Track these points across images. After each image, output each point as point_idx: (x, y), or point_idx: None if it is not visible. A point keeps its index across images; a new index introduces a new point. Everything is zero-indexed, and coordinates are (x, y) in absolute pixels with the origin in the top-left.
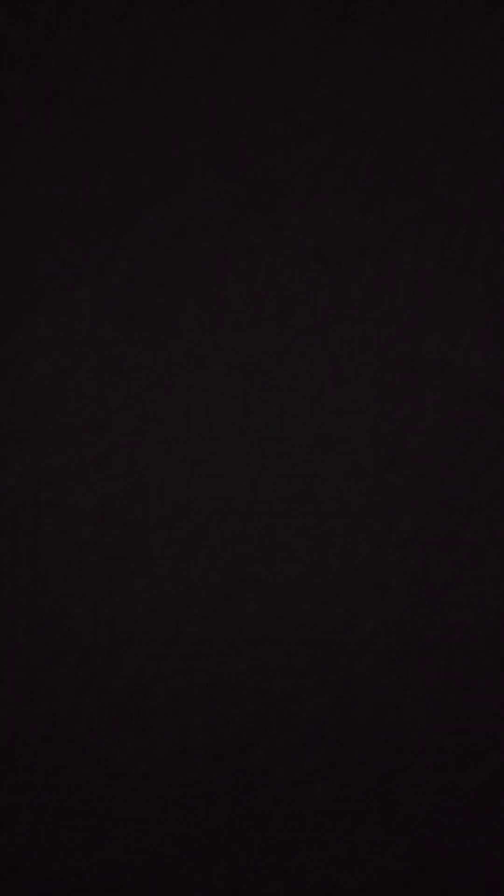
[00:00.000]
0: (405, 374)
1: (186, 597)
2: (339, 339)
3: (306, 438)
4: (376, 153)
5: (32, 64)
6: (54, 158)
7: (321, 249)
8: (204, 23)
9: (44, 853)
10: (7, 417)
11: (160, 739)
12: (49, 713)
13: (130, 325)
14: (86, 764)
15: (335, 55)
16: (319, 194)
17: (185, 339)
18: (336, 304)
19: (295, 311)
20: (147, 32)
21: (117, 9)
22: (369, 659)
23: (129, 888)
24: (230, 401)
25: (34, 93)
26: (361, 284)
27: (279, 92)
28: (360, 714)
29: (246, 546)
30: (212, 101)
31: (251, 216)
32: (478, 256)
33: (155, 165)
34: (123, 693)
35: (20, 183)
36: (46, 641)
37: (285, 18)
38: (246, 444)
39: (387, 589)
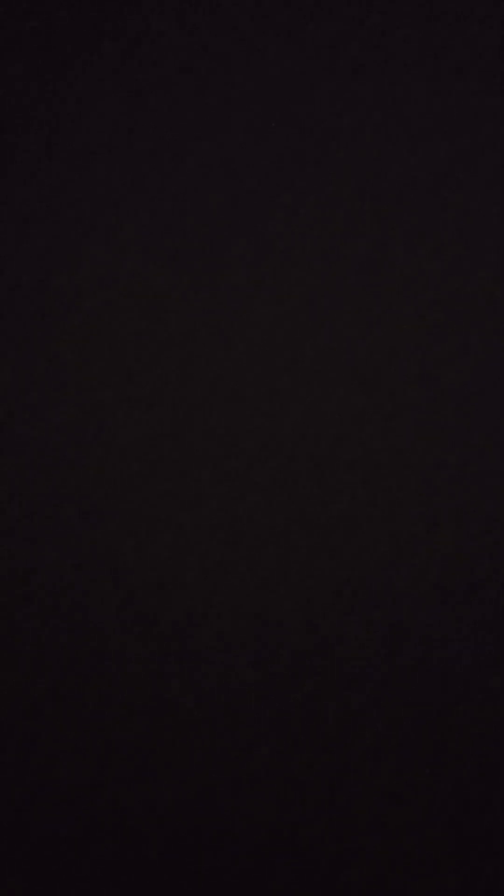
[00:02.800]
0: (453, 311)
1: (234, 534)
2: (387, 276)
3: (354, 375)
4: (425, 91)
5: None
6: (101, 95)
7: (369, 186)
8: None
9: (90, 789)
10: (54, 354)
11: (207, 677)
12: (96, 650)
13: (178, 262)
14: (133, 700)
15: None
16: (367, 131)
17: (232, 277)
18: (384, 241)
19: (342, 249)
20: None
21: None
22: (417, 596)
23: (176, 825)
24: (277, 337)
25: (79, 28)
26: (410, 221)
27: (325, 29)
28: (407, 651)
29: (293, 482)
30: (258, 38)
31: (299, 153)
32: None
33: (202, 102)
34: (171, 630)
35: (67, 120)
36: (93, 578)
37: None
38: (293, 380)
39: (435, 525)
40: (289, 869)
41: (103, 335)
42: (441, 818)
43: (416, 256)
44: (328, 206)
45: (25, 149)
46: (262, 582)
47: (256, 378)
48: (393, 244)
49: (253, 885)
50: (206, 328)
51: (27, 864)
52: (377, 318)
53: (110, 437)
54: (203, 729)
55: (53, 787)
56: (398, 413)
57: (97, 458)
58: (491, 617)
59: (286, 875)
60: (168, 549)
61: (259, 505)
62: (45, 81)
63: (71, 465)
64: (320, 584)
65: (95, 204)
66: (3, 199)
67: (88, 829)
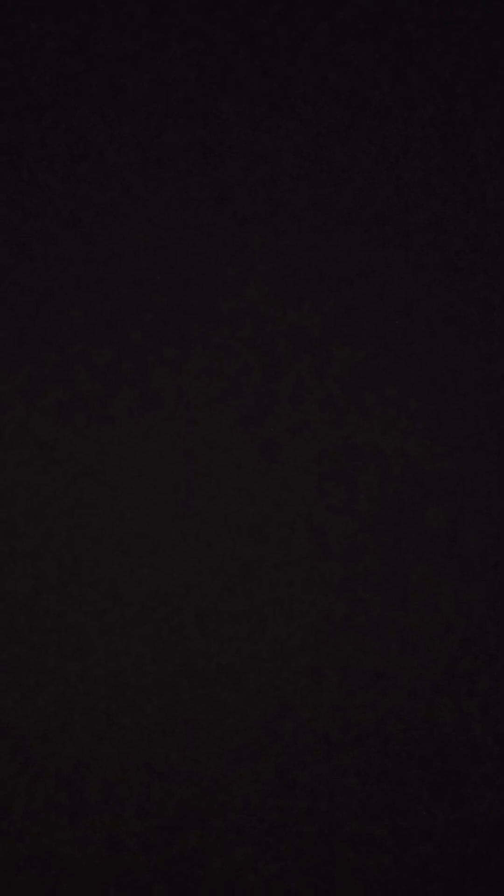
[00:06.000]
0: (347, 459)
1: (119, 684)
2: (275, 427)
3: (241, 526)
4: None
5: None
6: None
7: (257, 335)
8: None
9: None
10: None
11: (93, 828)
12: None
13: (64, 414)
14: (21, 850)
15: None
16: (257, 279)
17: (116, 428)
18: (271, 392)
19: (227, 401)
20: None
21: None
22: (303, 747)
23: None
24: (158, 492)
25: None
26: (297, 372)
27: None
28: (294, 802)
29: (177, 633)
30: None
31: (182, 310)
32: None
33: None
34: (57, 781)
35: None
36: None
37: None
38: (177, 534)
39: (320, 679)
40: None
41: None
42: None
43: (303, 406)
44: (209, 363)
45: None
46: (147, 732)
47: (140, 533)
48: (280, 394)
49: None
50: (91, 480)
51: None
52: (266, 464)
53: None
54: (88, 878)
55: None
56: (288, 562)
57: None
58: (376, 768)
59: None
60: (53, 701)
61: (144, 655)
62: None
63: None
64: (205, 734)
65: None
66: None
67: None
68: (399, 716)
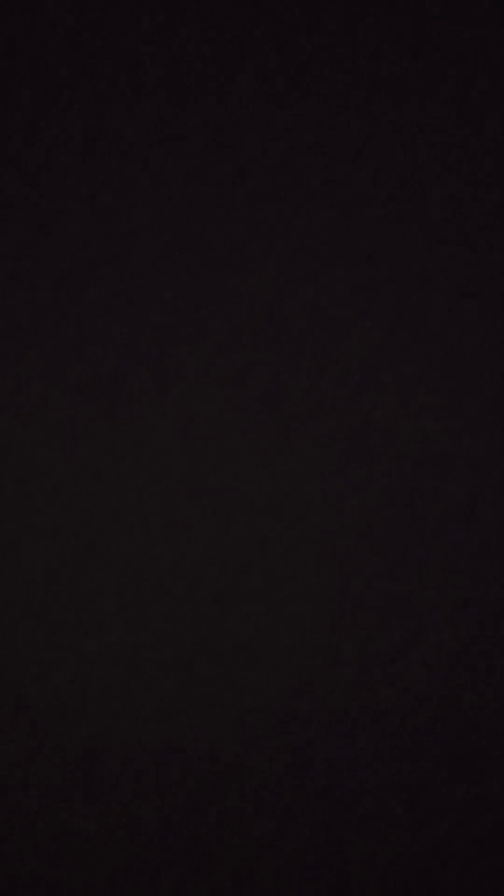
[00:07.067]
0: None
1: (136, 661)
2: (291, 406)
3: (253, 506)
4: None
5: None
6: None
7: (273, 313)
8: None
9: None
10: None
11: (111, 804)
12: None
13: (82, 391)
14: (39, 827)
15: None
16: (271, 259)
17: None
18: (287, 371)
19: (245, 377)
20: None
21: None
22: (321, 723)
23: None
24: (170, 478)
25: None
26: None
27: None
28: (312, 778)
29: (194, 611)
30: None
31: (200, 285)
32: None
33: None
34: (74, 757)
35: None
36: None
37: None
38: (195, 513)
39: (337, 657)
40: None
41: (4, 465)
42: None
43: (320, 383)
44: (226, 340)
45: None
46: (167, 709)
47: (156, 511)
48: (297, 371)
49: None
50: (109, 457)
51: None
52: (285, 435)
53: (13, 565)
54: (106, 856)
55: None
56: (304, 539)
57: (6, 576)
58: (396, 744)
59: None
60: (70, 679)
61: (163, 631)
62: None
63: None
64: (222, 712)
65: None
66: None
67: None
68: (416, 693)
